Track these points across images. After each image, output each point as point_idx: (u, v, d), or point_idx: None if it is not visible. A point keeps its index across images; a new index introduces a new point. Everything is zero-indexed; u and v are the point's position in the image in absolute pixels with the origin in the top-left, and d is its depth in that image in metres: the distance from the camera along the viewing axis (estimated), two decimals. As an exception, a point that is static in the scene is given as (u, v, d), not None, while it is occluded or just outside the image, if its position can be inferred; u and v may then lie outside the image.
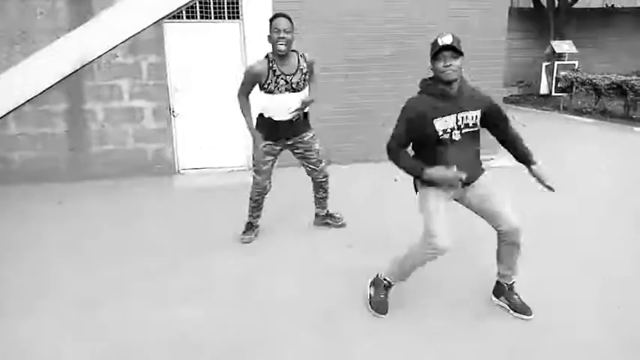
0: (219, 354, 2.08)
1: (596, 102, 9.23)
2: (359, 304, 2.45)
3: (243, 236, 3.30)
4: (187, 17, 4.99)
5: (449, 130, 2.13)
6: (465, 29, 5.47)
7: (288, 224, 3.63)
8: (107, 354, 2.09)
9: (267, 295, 2.58)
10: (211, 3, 4.99)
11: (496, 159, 5.19)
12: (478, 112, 2.17)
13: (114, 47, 4.87)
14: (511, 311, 2.34)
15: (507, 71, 9.52)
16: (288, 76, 2.94)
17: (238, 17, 5.07)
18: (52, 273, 2.88)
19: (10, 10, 4.67)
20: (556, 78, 9.77)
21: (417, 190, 2.33)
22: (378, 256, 2.92)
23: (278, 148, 3.16)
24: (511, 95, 12.08)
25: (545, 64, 10.24)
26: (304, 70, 3.00)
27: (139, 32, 4.87)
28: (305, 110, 3.12)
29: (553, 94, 9.98)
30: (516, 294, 2.37)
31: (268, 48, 3.00)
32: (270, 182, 3.20)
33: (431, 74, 2.16)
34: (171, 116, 5.18)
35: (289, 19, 2.87)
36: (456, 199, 2.30)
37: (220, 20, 5.06)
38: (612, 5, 13.49)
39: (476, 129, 2.19)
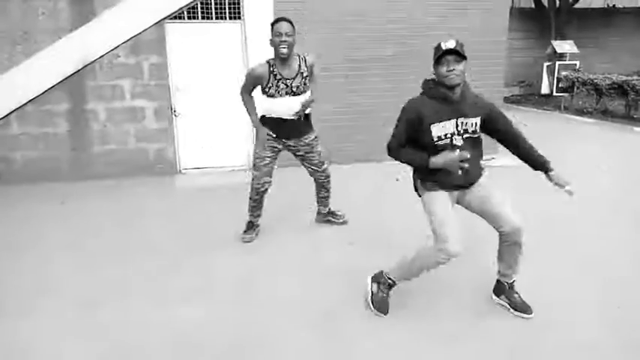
0: (220, 354, 2.09)
1: (597, 102, 9.23)
2: (360, 303, 2.45)
3: (244, 235, 3.32)
4: (189, 17, 5.00)
5: (449, 135, 2.13)
6: (466, 29, 5.48)
7: (288, 223, 3.64)
8: (108, 354, 2.09)
9: (267, 294, 2.59)
10: (212, 3, 5.00)
11: (497, 158, 5.20)
12: (478, 119, 2.16)
13: (116, 47, 4.89)
14: (511, 310, 2.35)
15: (508, 71, 9.53)
16: (288, 80, 2.98)
17: (239, 18, 5.08)
18: (54, 272, 2.89)
19: (13, 11, 4.68)
20: (557, 78, 9.77)
21: (419, 194, 2.34)
22: (379, 254, 2.94)
23: (279, 146, 3.17)
24: (512, 95, 12.08)
25: (546, 64, 10.24)
26: (305, 74, 3.03)
27: (140, 32, 4.89)
28: (306, 112, 3.14)
29: (554, 94, 9.98)
30: (517, 293, 2.37)
31: (269, 48, 3.02)
32: (269, 181, 3.21)
33: (433, 76, 2.17)
34: (173, 116, 5.19)
35: (291, 22, 2.91)
36: (457, 202, 2.30)
37: (222, 20, 5.07)
38: (613, 5, 13.47)
39: (476, 136, 2.19)
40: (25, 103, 4.86)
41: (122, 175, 5.12)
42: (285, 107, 3.03)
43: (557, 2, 11.81)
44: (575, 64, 10.03)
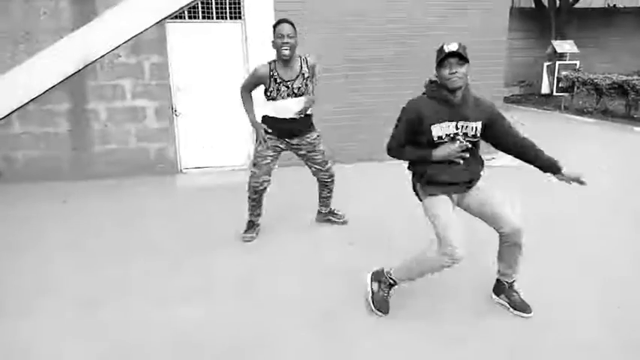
0: (220, 354, 2.09)
1: (597, 102, 9.23)
2: (360, 303, 2.46)
3: (244, 235, 3.33)
4: (189, 17, 5.01)
5: (451, 135, 2.13)
6: (466, 29, 5.49)
7: (289, 223, 3.64)
8: (108, 354, 2.09)
9: (268, 294, 2.60)
10: (213, 3, 5.01)
11: (497, 159, 5.20)
12: (479, 124, 2.16)
13: (117, 47, 4.89)
14: (511, 309, 2.35)
15: (508, 71, 9.54)
16: (288, 82, 3.00)
17: (240, 17, 5.09)
18: (54, 272, 2.89)
19: (14, 11, 4.69)
20: (557, 78, 9.78)
21: (420, 199, 2.34)
22: (379, 254, 2.95)
23: (281, 146, 3.18)
24: (512, 95, 12.08)
25: (546, 63, 10.25)
26: (306, 75, 3.05)
27: (141, 32, 4.89)
28: (307, 112, 3.16)
29: (554, 93, 9.98)
30: (516, 292, 2.38)
31: (270, 48, 3.03)
32: (268, 180, 3.21)
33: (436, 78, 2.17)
34: (174, 116, 5.20)
35: (292, 24, 2.93)
36: (456, 205, 2.30)
37: (222, 20, 5.07)
38: (614, 5, 13.47)
39: (476, 139, 2.19)
40: (27, 103, 4.87)
41: (123, 174, 5.13)
42: (287, 109, 3.05)
43: (558, 2, 11.81)
44: (576, 64, 10.04)
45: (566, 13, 11.83)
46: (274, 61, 3.01)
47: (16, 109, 4.86)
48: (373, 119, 5.47)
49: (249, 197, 3.28)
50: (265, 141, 3.12)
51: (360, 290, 2.55)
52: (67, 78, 4.86)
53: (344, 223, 3.57)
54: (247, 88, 3.12)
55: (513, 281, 2.38)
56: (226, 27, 5.11)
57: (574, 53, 10.28)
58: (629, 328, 2.21)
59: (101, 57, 4.88)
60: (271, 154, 3.16)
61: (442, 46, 2.06)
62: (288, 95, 3.02)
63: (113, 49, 4.89)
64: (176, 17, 4.98)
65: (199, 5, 4.99)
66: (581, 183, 2.18)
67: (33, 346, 2.15)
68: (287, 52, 2.90)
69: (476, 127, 2.15)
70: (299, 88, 3.02)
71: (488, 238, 2.52)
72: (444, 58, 2.04)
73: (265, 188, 3.23)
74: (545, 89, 10.25)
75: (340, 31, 5.28)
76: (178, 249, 3.19)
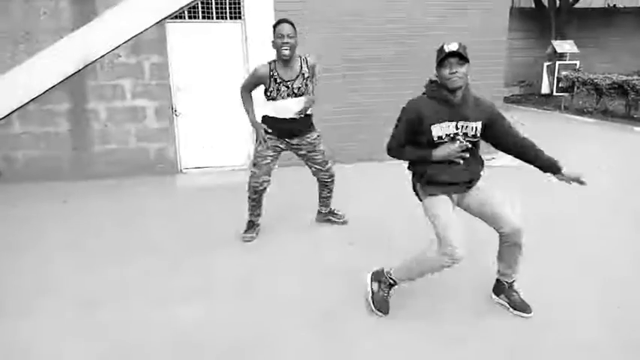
0: (220, 353, 2.09)
1: (597, 102, 9.24)
2: (360, 303, 2.46)
3: (244, 235, 3.33)
4: (189, 17, 5.01)
5: (451, 135, 2.14)
6: (466, 29, 5.49)
7: (289, 223, 3.64)
8: (108, 354, 2.09)
9: (268, 294, 2.60)
10: (213, 3, 5.01)
11: (497, 159, 5.20)
12: (479, 124, 2.16)
13: (117, 47, 4.89)
14: (511, 309, 2.36)
15: (508, 71, 9.54)
16: (289, 82, 3.01)
17: (240, 17, 5.09)
18: (54, 272, 2.89)
19: (14, 11, 4.69)
20: (557, 78, 9.78)
21: (420, 199, 2.34)
22: (379, 254, 2.95)
23: (281, 146, 3.19)
24: (512, 95, 12.09)
25: (546, 63, 10.25)
26: (306, 75, 3.06)
27: (141, 32, 4.90)
28: (307, 112, 3.16)
29: (554, 93, 9.99)
30: (516, 292, 2.38)
31: (270, 48, 3.04)
32: (268, 180, 3.22)
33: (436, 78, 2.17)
34: (174, 116, 5.20)
35: (292, 24, 2.94)
36: (456, 205, 2.30)
37: (222, 20, 5.08)
38: (614, 5, 13.47)
39: (476, 139, 2.19)
40: (27, 103, 4.87)
41: (123, 174, 5.13)
42: (287, 109, 3.06)
43: (558, 2, 11.81)
44: (576, 64, 10.04)
45: (566, 13, 11.83)
46: (274, 61, 3.01)
47: (16, 109, 4.87)
48: (373, 119, 5.47)
49: (249, 197, 3.28)
50: (265, 141, 3.13)
51: (360, 290, 2.55)
52: (67, 78, 4.86)
53: (344, 223, 3.58)
54: (247, 88, 3.12)
55: (513, 281, 2.38)
56: (226, 27, 5.11)
57: (574, 53, 10.28)
58: (629, 328, 2.22)
59: (101, 57, 4.89)
60: (271, 154, 3.16)
61: (442, 46, 2.06)
62: (288, 95, 3.02)
63: (113, 49, 4.89)
64: (176, 17, 4.98)
65: (199, 5, 4.99)
66: (581, 183, 2.18)
67: (33, 345, 2.15)
68: (287, 52, 2.91)
69: (476, 127, 2.15)
70: (299, 88, 3.03)
71: (488, 238, 2.52)
72: (444, 57, 2.04)
73: (265, 188, 3.23)
74: (545, 89, 10.25)
75: (340, 31, 5.28)
76: (178, 249, 3.19)
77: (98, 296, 2.58)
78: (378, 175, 4.96)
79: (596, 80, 8.86)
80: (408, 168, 2.35)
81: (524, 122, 7.58)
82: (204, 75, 5.18)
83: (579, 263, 2.90)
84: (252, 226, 3.37)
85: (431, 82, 2.19)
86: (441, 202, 2.20)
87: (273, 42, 2.96)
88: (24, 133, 4.93)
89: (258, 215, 3.38)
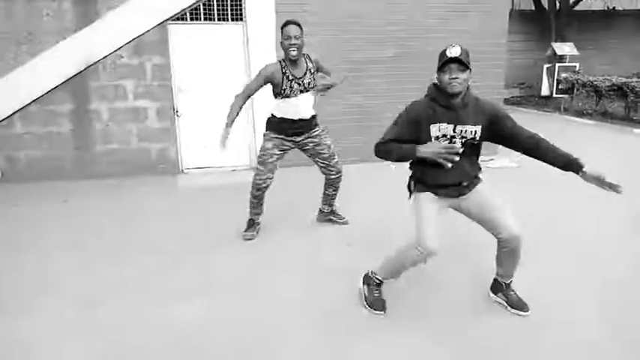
0: (220, 353, 2.09)
1: (596, 104, 9.26)
2: (359, 303, 2.47)
3: (245, 233, 3.35)
4: (191, 19, 5.04)
5: (448, 137, 2.14)
6: (466, 31, 5.51)
7: (289, 222, 3.66)
8: (108, 353, 2.09)
9: (268, 293, 2.61)
10: (215, 5, 5.03)
11: (496, 160, 5.23)
12: (478, 128, 2.14)
13: (119, 48, 4.92)
14: (508, 307, 2.37)
15: (508, 73, 9.54)
16: (300, 79, 3.08)
17: (242, 19, 5.12)
18: (55, 271, 2.89)
19: (17, 12, 4.72)
20: (557, 80, 9.80)
21: (409, 196, 2.36)
22: (379, 254, 2.94)
23: (289, 144, 3.23)
24: (512, 97, 12.12)
25: (546, 65, 10.28)
26: (312, 71, 3.15)
27: (143, 33, 4.92)
28: (313, 113, 3.22)
29: (554, 95, 10.01)
30: (513, 291, 2.39)
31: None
32: (271, 178, 3.24)
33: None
34: (175, 116, 5.22)
35: (299, 25, 3.01)
36: (455, 209, 2.31)
37: (224, 22, 5.10)
38: (613, 7, 13.52)
39: (476, 142, 2.18)
40: (29, 103, 4.89)
41: (124, 174, 5.15)
42: (297, 106, 3.12)
43: (558, 4, 11.85)
44: (575, 66, 10.07)
45: (566, 16, 11.87)
46: (283, 59, 3.08)
47: (18, 110, 4.89)
48: (374, 120, 5.49)
49: (251, 194, 3.30)
50: (224, 141, 3.05)
51: (361, 289, 2.56)
52: (69, 79, 4.89)
53: (345, 223, 3.59)
54: (250, 90, 3.09)
55: (510, 282, 2.39)
56: (228, 28, 5.13)
57: (574, 55, 10.31)
58: (629, 328, 2.22)
59: (104, 58, 4.91)
60: (277, 152, 3.20)
61: (444, 51, 2.05)
62: (300, 92, 3.10)
63: (115, 50, 4.91)
64: (178, 19, 5.00)
65: (201, 7, 5.02)
66: (617, 190, 1.99)
67: (33, 344, 2.15)
68: (294, 53, 2.99)
69: (475, 131, 2.15)
70: (309, 83, 3.12)
71: (486, 237, 2.53)
72: (445, 63, 2.04)
73: (268, 186, 3.25)
74: (544, 91, 10.28)
75: (341, 33, 5.31)
76: (178, 248, 3.20)
77: (98, 295, 2.58)
78: (379, 176, 4.97)
79: (595, 82, 8.89)
80: (410, 168, 2.37)
81: (524, 124, 7.58)
82: (205, 76, 5.20)
83: (579, 263, 2.91)
84: (252, 224, 3.39)
85: (432, 85, 2.20)
86: (426, 200, 2.22)
87: (281, 43, 3.04)
88: (26, 133, 4.95)
89: (259, 214, 3.40)
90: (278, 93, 3.10)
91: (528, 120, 8.55)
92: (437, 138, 2.14)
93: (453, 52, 2.02)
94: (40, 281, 2.78)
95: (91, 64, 4.89)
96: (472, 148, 2.22)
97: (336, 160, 3.35)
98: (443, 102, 2.12)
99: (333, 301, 2.50)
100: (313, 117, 3.25)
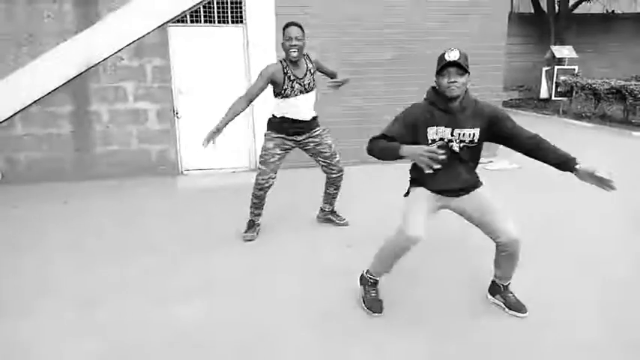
0: (220, 353, 2.09)
1: (595, 106, 9.28)
2: (358, 304, 2.47)
3: (245, 234, 3.35)
4: (191, 21, 5.05)
5: (446, 140, 2.14)
6: (466, 34, 5.54)
7: (289, 223, 3.66)
8: (108, 354, 2.09)
9: (267, 293, 2.61)
10: (215, 7, 5.05)
11: (495, 162, 5.24)
12: (477, 130, 2.14)
13: (119, 50, 4.93)
14: (506, 309, 2.36)
15: (507, 76, 9.59)
16: (300, 79, 3.11)
17: (242, 21, 5.14)
18: (55, 272, 2.89)
19: (18, 13, 4.73)
20: (556, 82, 9.83)
21: (408, 193, 2.36)
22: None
23: (290, 144, 3.25)
24: (511, 99, 12.15)
25: (545, 68, 10.31)
26: (312, 71, 3.18)
27: (144, 35, 4.94)
28: (313, 114, 3.25)
29: (553, 98, 10.04)
30: (511, 292, 2.39)
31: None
32: (274, 178, 3.25)
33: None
34: (175, 118, 5.23)
35: (300, 27, 3.04)
36: (453, 210, 2.32)
37: (224, 24, 5.12)
38: (612, 11, 13.58)
39: (474, 145, 2.18)
40: (30, 105, 4.90)
41: (124, 175, 5.16)
42: (297, 106, 3.14)
43: (557, 7, 11.90)
44: (574, 69, 10.10)
45: (565, 19, 11.92)
46: (284, 59, 3.10)
47: (19, 111, 4.89)
48: (373, 122, 5.49)
49: (253, 194, 3.31)
50: (212, 141, 2.98)
51: (358, 291, 2.56)
52: (69, 80, 4.90)
53: (345, 224, 3.60)
54: (253, 92, 3.05)
55: (509, 284, 2.39)
56: (228, 31, 5.15)
57: (573, 58, 10.35)
58: (629, 328, 2.22)
59: (104, 60, 4.92)
60: (279, 152, 3.22)
61: (443, 54, 2.06)
62: (301, 92, 3.12)
63: (116, 52, 4.93)
64: (178, 21, 5.02)
65: (201, 9, 5.04)
66: (609, 186, 1.94)
67: (33, 345, 2.15)
68: (295, 54, 3.02)
69: (473, 134, 2.15)
70: (309, 83, 3.15)
71: (484, 239, 2.54)
72: (443, 66, 2.04)
73: (270, 186, 3.27)
74: (543, 94, 10.31)
75: (341, 36, 5.33)
76: (178, 249, 3.20)
77: (98, 296, 2.58)
78: (379, 178, 4.98)
79: (594, 85, 8.91)
80: (410, 172, 2.38)
81: (523, 126, 7.60)
82: (205, 78, 5.21)
83: (579, 263, 2.91)
84: (252, 225, 3.39)
85: (432, 88, 2.21)
86: (418, 194, 2.24)
87: (282, 44, 3.07)
88: (26, 134, 4.96)
89: (259, 215, 3.41)
90: (278, 93, 3.12)
91: (527, 123, 8.51)
92: (433, 141, 2.14)
93: (452, 55, 2.02)
94: (40, 282, 2.78)
95: (92, 66, 4.91)
96: (471, 153, 2.21)
97: (337, 159, 3.37)
98: (441, 105, 2.13)
99: (332, 301, 2.50)
100: (314, 118, 3.27)
